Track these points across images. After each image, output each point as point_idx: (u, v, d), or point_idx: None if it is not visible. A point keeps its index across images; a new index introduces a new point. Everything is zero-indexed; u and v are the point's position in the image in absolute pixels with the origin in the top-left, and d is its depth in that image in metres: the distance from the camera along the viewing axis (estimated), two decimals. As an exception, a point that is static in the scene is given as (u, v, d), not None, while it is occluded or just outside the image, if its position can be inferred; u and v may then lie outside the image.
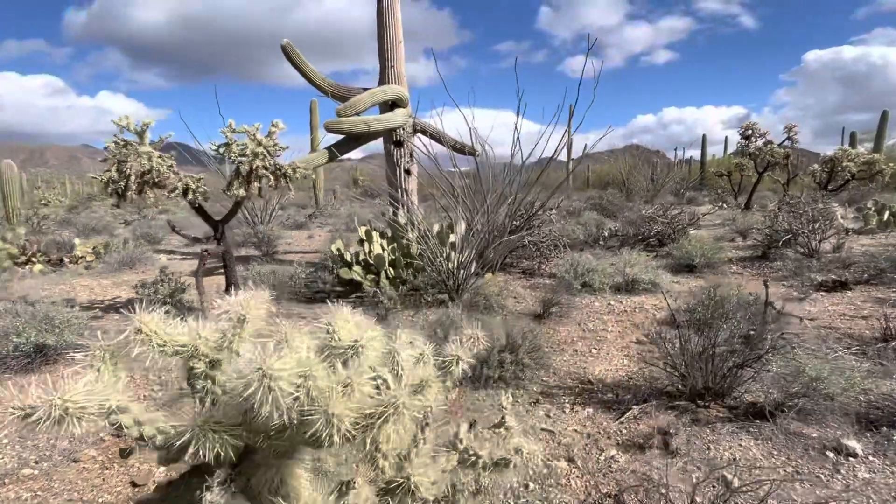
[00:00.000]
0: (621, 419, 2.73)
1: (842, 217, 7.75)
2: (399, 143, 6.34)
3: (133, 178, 3.74)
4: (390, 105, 6.24)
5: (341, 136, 6.65)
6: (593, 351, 3.87)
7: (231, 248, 4.48)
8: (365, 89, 6.07)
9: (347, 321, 0.99)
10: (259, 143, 3.96)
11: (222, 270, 4.76)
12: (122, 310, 1.06)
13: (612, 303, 5.18)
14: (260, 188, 4.38)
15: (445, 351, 1.10)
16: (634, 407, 2.78)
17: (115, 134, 3.67)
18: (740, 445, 2.43)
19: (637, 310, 4.92)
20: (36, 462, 2.42)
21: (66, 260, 6.52)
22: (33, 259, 6.42)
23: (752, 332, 3.37)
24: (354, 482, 1.06)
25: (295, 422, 0.84)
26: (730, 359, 2.79)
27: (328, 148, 6.67)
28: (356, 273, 5.02)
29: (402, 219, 5.68)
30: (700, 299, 4.42)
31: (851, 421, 2.51)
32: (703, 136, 21.32)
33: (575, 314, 4.76)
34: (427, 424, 1.04)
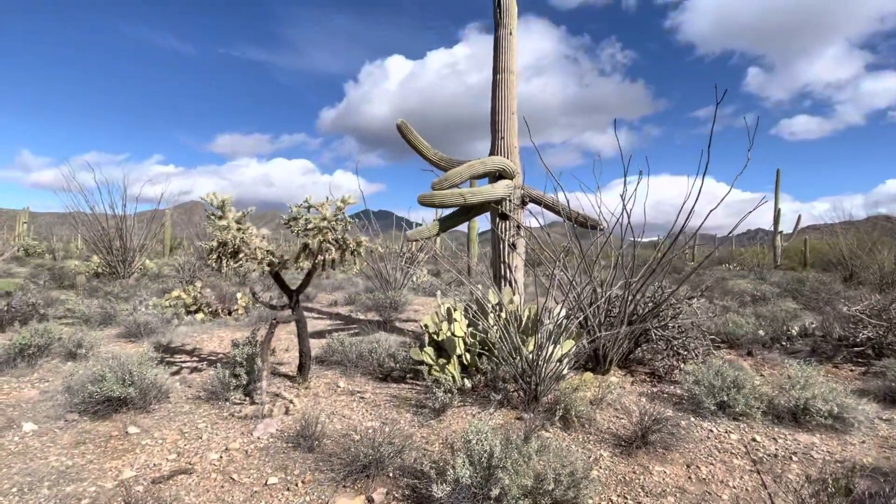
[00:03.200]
0: None
1: None
2: (504, 217, 5.90)
3: (219, 249, 4.09)
4: (497, 176, 5.91)
5: (454, 209, 6.55)
6: (687, 517, 2.66)
7: (304, 317, 4.54)
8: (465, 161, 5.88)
9: None
10: (324, 219, 4.00)
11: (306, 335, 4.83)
12: None
13: (759, 439, 3.66)
14: (334, 260, 4.39)
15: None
16: None
17: (205, 208, 4.12)
18: None
19: (796, 457, 3.37)
20: None
21: (220, 311, 7.62)
22: (201, 309, 7.65)
23: None
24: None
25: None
26: None
27: (439, 220, 6.61)
28: (427, 355, 4.60)
29: (493, 298, 5.13)
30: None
31: None
32: None
33: (689, 448, 3.47)
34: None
